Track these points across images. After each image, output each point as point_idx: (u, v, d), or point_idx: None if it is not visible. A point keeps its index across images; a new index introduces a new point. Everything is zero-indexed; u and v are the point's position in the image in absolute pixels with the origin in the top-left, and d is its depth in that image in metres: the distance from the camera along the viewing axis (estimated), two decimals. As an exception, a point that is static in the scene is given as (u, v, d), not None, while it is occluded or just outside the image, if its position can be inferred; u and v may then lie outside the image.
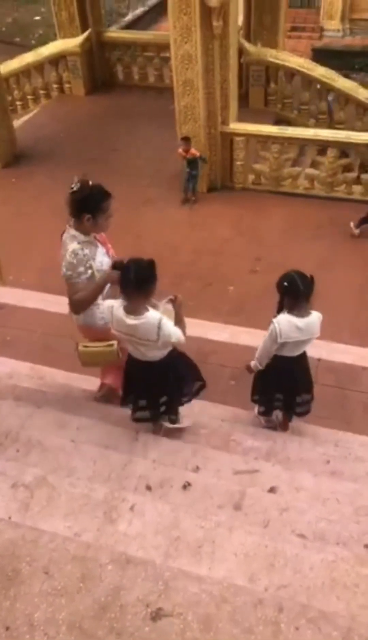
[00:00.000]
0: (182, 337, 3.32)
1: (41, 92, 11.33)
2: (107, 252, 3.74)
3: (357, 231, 7.82)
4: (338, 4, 15.02)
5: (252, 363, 3.85)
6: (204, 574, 2.70)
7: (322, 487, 3.50)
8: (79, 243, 3.50)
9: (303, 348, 3.76)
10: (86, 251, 3.51)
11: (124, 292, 3.23)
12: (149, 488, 3.33)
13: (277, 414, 4.25)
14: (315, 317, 3.62)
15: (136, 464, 3.46)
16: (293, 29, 15.00)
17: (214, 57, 7.88)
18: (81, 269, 3.48)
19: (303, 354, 3.84)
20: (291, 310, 3.57)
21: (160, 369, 3.50)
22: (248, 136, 8.59)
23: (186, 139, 8.33)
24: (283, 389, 3.95)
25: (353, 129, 9.38)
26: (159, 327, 3.21)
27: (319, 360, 5.09)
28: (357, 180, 8.58)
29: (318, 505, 3.34)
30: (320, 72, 9.94)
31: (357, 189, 8.58)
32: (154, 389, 3.63)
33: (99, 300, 3.59)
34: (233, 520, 3.08)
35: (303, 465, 3.78)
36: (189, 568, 2.72)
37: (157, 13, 17.06)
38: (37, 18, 18.61)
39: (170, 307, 3.42)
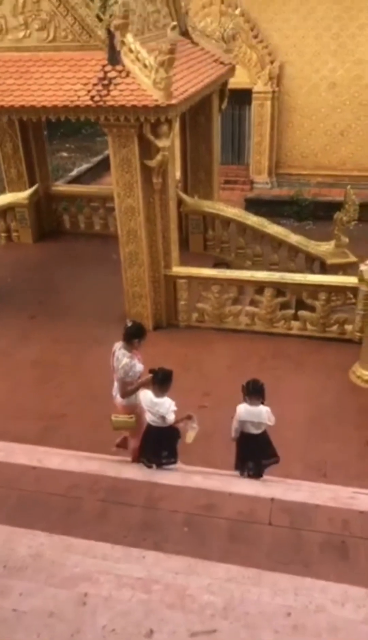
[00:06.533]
0: (170, 420, 5.43)
1: (-11, 240, 11.76)
2: (139, 360, 5.84)
3: None
4: (265, 161, 16.83)
5: (232, 435, 5.67)
6: None
7: (284, 646, 3.29)
8: (128, 357, 5.67)
9: (261, 427, 5.52)
10: (134, 362, 5.70)
11: (154, 385, 5.46)
12: (98, 661, 3.05)
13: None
14: (262, 408, 5.46)
15: (85, 634, 3.18)
16: (227, 182, 16.51)
17: (155, 209, 8.56)
18: (131, 373, 5.70)
19: (264, 433, 5.59)
20: (247, 401, 5.46)
21: (165, 433, 5.59)
22: (190, 278, 9.09)
23: None
24: (252, 457, 5.70)
25: (287, 269, 10.05)
26: (168, 407, 5.41)
27: (273, 500, 5.00)
28: (295, 317, 9.04)
29: (282, 668, 3.11)
30: (253, 219, 10.80)
31: (296, 324, 9.03)
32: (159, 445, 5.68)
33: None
34: None
35: (263, 621, 3.56)
36: None
37: (101, 168, 18.48)
38: (-12, 172, 19.76)
39: (194, 424, 5.53)
